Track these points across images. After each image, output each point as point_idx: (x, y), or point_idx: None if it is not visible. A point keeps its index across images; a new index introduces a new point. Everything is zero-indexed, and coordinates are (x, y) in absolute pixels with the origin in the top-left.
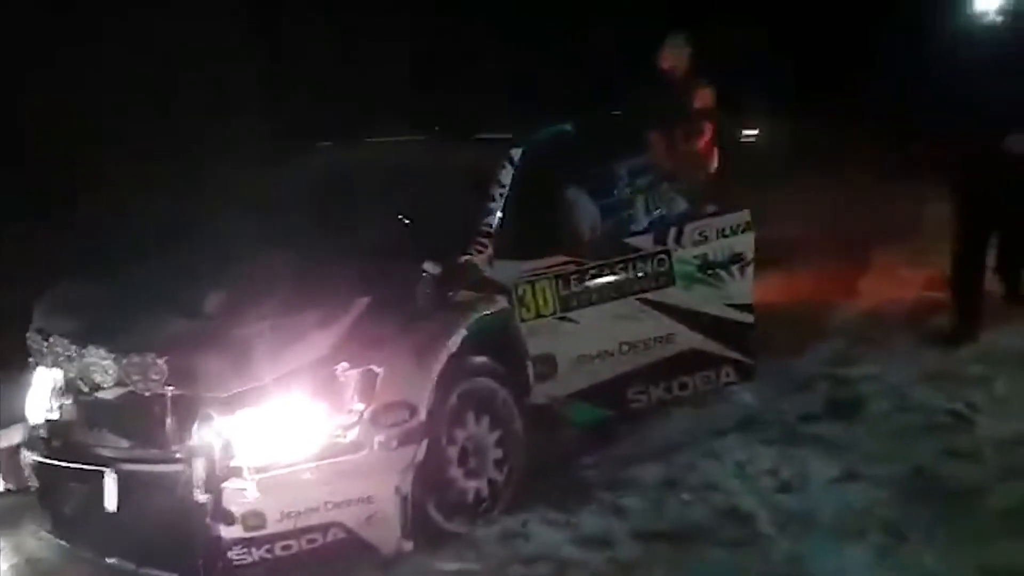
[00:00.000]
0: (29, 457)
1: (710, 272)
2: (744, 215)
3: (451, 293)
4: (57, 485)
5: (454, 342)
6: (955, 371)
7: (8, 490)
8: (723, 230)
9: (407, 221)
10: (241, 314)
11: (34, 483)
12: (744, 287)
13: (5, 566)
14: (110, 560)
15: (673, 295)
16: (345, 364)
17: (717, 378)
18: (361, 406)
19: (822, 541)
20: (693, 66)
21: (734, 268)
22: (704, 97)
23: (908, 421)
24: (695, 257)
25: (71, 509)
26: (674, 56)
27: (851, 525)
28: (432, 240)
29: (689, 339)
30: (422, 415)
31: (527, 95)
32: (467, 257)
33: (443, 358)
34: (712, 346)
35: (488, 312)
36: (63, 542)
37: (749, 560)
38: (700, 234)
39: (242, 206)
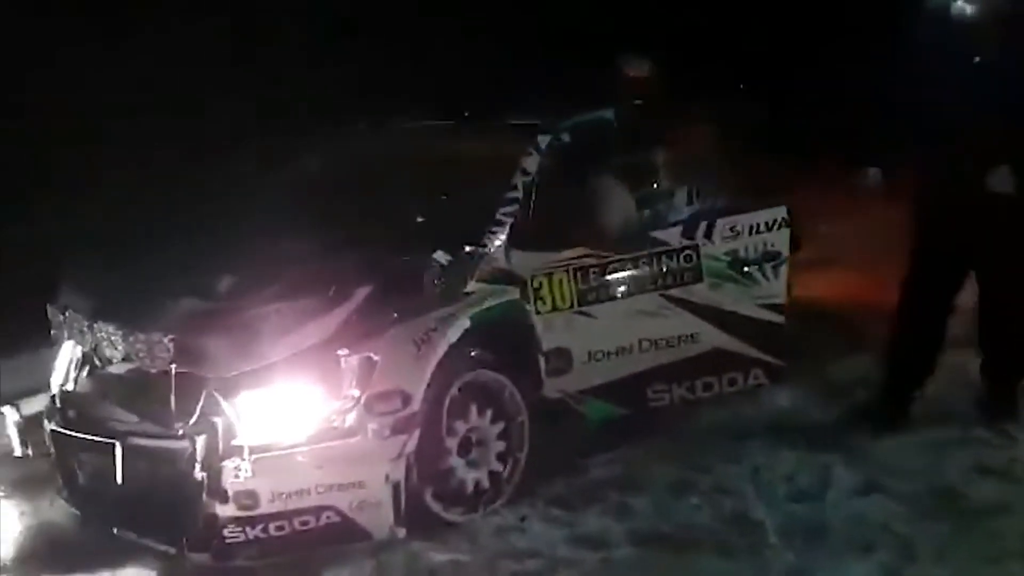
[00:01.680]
0: (47, 426)
1: (741, 270)
2: (780, 211)
3: (460, 283)
4: (71, 454)
5: (455, 333)
6: None
7: (30, 456)
8: (757, 226)
9: (421, 208)
10: (247, 297)
11: (52, 451)
12: (776, 286)
13: (21, 527)
14: (115, 529)
15: (700, 292)
16: (345, 350)
17: (744, 380)
18: (357, 392)
19: (827, 555)
20: None
21: (767, 266)
22: None
23: (942, 434)
24: (725, 253)
25: (83, 478)
26: None
27: (861, 540)
28: (449, 228)
29: (715, 338)
30: (416, 405)
31: (565, 80)
32: (480, 247)
33: (442, 349)
34: (740, 347)
35: (496, 304)
36: (75, 509)
37: (746, 571)
38: (732, 229)
39: (259, 191)
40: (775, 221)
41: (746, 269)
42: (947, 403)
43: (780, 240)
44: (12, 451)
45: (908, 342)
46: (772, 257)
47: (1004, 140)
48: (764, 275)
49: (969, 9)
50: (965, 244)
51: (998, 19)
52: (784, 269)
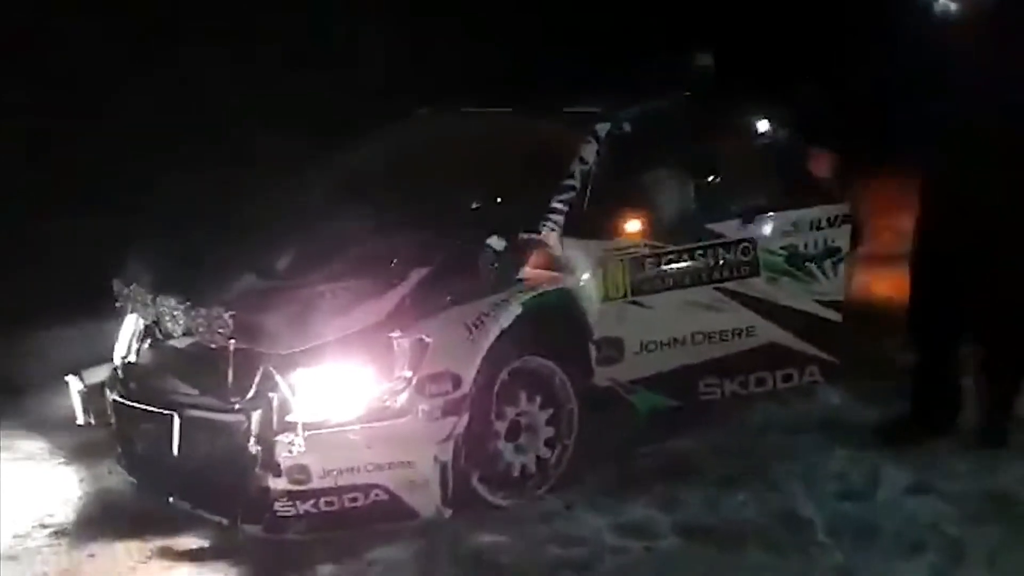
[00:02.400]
0: (109, 395)
1: (799, 265)
2: (843, 207)
3: (514, 269)
4: (130, 424)
5: (507, 318)
6: None
7: (91, 424)
8: (818, 222)
9: (477, 194)
10: (305, 277)
11: (113, 420)
12: (835, 283)
13: (80, 494)
14: (171, 499)
15: (756, 286)
16: (398, 332)
17: (799, 376)
18: (409, 374)
19: (875, 554)
20: None
21: (826, 262)
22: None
23: None
24: (783, 248)
25: (141, 448)
26: None
27: (910, 540)
28: (505, 214)
29: (770, 334)
30: (466, 388)
31: (625, 69)
32: (535, 234)
33: (493, 334)
34: (796, 343)
35: (549, 291)
36: (132, 478)
37: (792, 568)
38: (792, 224)
39: (322, 172)
40: (836, 217)
41: (804, 265)
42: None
43: (840, 236)
44: (75, 419)
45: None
46: (832, 253)
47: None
48: (823, 271)
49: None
50: (966, 246)
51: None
52: (843, 266)
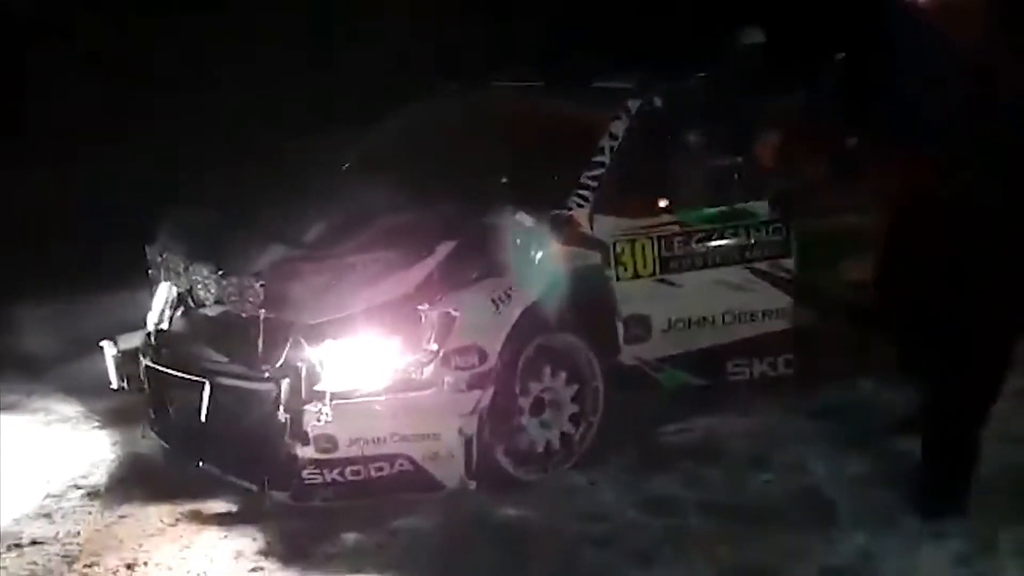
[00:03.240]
0: (142, 361)
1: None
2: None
3: (541, 245)
4: (163, 390)
5: (534, 294)
6: None
7: (125, 389)
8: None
9: (506, 169)
10: (335, 248)
11: (145, 386)
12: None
13: (114, 457)
14: (201, 464)
15: (789, 268)
16: (426, 304)
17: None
18: (435, 346)
19: (900, 539)
20: None
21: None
22: None
23: None
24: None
25: (172, 413)
26: None
27: (936, 527)
28: (534, 190)
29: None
30: (493, 362)
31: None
32: (564, 210)
33: (519, 309)
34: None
35: (576, 267)
36: (163, 443)
37: (815, 547)
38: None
39: (354, 146)
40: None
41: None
42: None
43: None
44: (109, 384)
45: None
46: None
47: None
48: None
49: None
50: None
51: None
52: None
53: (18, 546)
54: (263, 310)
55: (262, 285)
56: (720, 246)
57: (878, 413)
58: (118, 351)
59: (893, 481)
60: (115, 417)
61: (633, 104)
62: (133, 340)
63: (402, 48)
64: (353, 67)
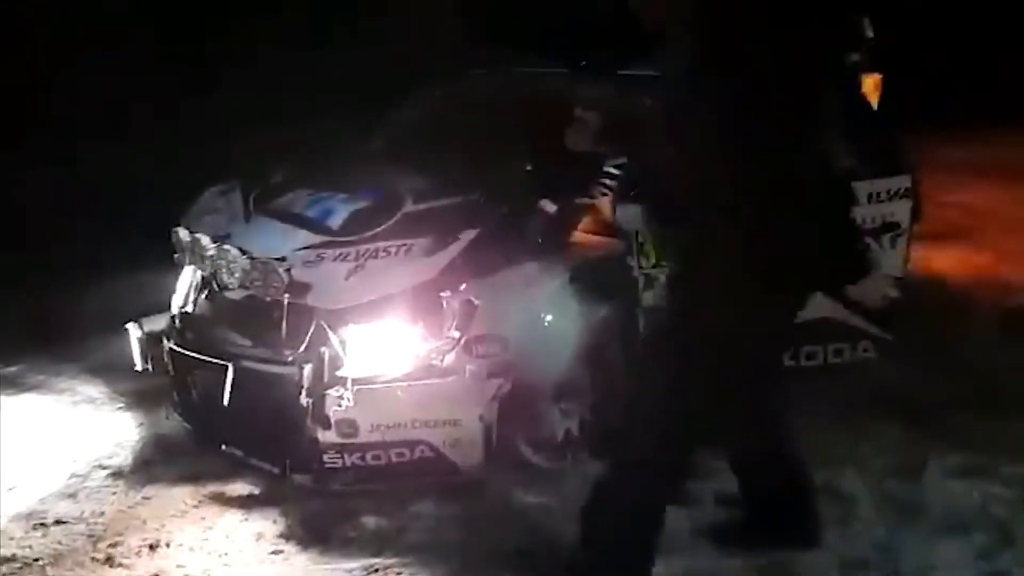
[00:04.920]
0: (167, 344)
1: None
2: (904, 180)
3: (565, 233)
4: (186, 373)
5: (556, 282)
6: None
7: (150, 371)
8: (877, 194)
9: (530, 156)
10: (359, 234)
11: (170, 368)
12: (894, 258)
13: (138, 438)
14: (224, 447)
15: None
16: (448, 292)
17: (852, 351)
18: (457, 334)
19: (919, 533)
20: None
21: (885, 237)
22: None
23: None
24: None
25: (196, 396)
26: None
27: (957, 520)
28: (557, 177)
29: (823, 307)
30: (513, 350)
31: None
32: (588, 198)
33: (541, 297)
34: (849, 317)
35: (598, 256)
36: (187, 425)
37: (833, 540)
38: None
39: (379, 131)
40: (897, 191)
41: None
42: None
43: (901, 211)
44: (133, 366)
45: None
46: (891, 228)
47: None
48: (881, 246)
49: None
50: None
51: None
52: (903, 241)
53: (43, 525)
54: (287, 295)
55: (287, 270)
56: None
57: (901, 406)
58: (143, 333)
59: (915, 473)
60: (139, 399)
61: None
62: (158, 323)
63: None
64: (372, 50)
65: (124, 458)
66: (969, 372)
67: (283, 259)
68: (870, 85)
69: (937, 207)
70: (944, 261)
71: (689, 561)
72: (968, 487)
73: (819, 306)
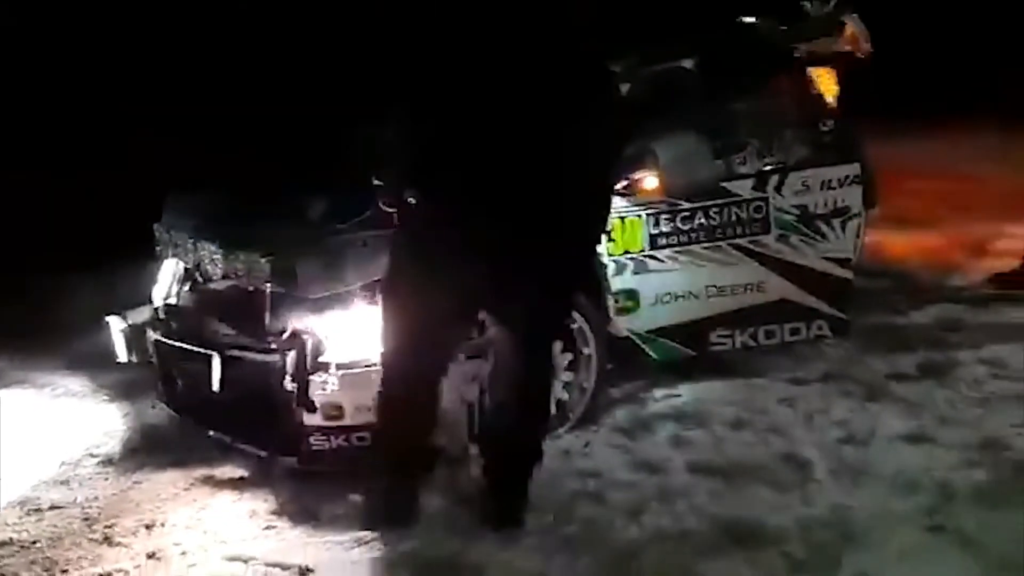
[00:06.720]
0: (151, 335)
1: (810, 224)
2: (853, 168)
3: None
4: (172, 363)
5: None
6: None
7: (133, 362)
8: (829, 181)
9: None
10: (339, 224)
11: (154, 359)
12: (845, 242)
13: (125, 427)
14: (211, 433)
15: (768, 243)
16: None
17: (807, 330)
18: None
19: (870, 494)
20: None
21: (836, 221)
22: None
23: (998, 389)
24: (795, 207)
25: (181, 385)
26: None
27: (904, 482)
28: None
29: (781, 289)
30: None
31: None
32: None
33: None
34: (804, 298)
35: None
36: (173, 413)
37: (792, 502)
38: (803, 184)
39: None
40: (847, 177)
41: (815, 223)
42: (1009, 359)
43: (851, 196)
44: (114, 358)
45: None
46: (841, 213)
47: None
48: (833, 230)
49: None
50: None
51: None
52: (854, 225)
53: (38, 511)
54: (270, 284)
55: (268, 260)
56: (704, 224)
57: (853, 381)
58: (126, 325)
59: (865, 441)
60: (122, 390)
61: (621, 87)
62: (140, 315)
63: None
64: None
65: (113, 446)
66: (915, 347)
67: (265, 249)
68: (824, 79)
69: (890, 193)
70: (894, 245)
71: (655, 520)
72: (913, 452)
73: (777, 288)
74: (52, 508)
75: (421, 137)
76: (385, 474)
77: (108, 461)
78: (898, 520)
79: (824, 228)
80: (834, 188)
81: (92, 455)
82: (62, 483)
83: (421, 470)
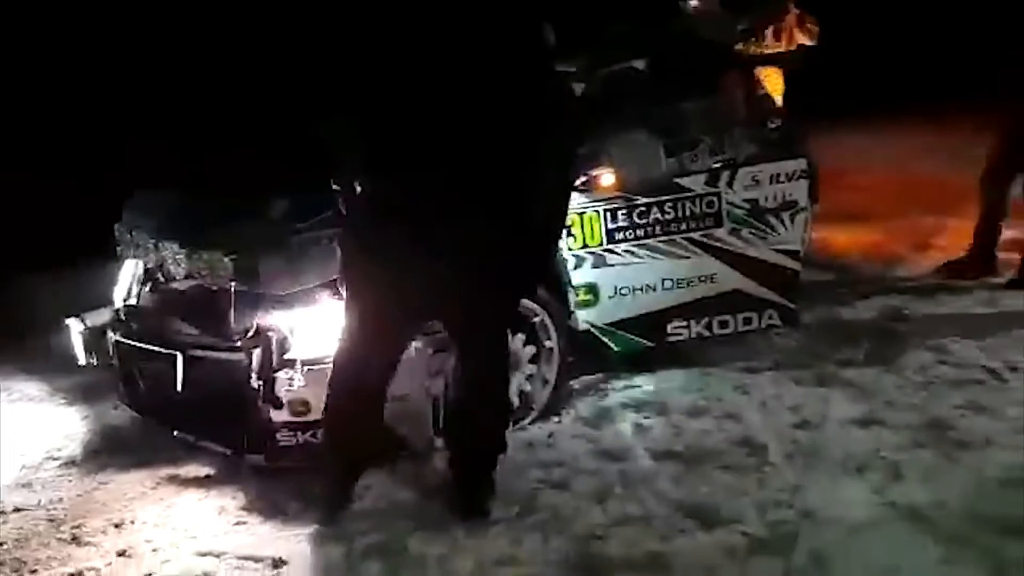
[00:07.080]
0: (112, 337)
1: (759, 217)
2: (800, 163)
3: None
4: (134, 363)
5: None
6: (1005, 331)
7: (93, 365)
8: (777, 176)
9: None
10: (302, 222)
11: (116, 360)
12: (793, 234)
13: (86, 429)
14: (175, 432)
15: (720, 237)
16: None
17: (759, 320)
18: None
19: (823, 474)
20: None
21: (785, 215)
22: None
23: (942, 374)
24: (745, 201)
25: (145, 386)
26: None
27: (855, 463)
28: None
29: (733, 280)
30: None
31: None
32: None
33: None
34: (756, 289)
35: None
36: (137, 414)
37: (750, 484)
38: (753, 179)
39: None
40: (794, 172)
41: (764, 216)
42: (951, 347)
43: (798, 190)
44: (74, 361)
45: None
46: (790, 206)
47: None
48: (782, 223)
49: None
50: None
51: None
52: (801, 218)
53: (2, 513)
54: (233, 283)
55: (231, 259)
56: (659, 218)
57: (805, 368)
58: (86, 328)
59: (817, 425)
60: (82, 393)
61: (576, 87)
62: (99, 317)
63: None
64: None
65: (74, 449)
66: (862, 336)
67: (226, 248)
68: (771, 79)
69: (833, 189)
70: (838, 240)
71: (619, 505)
72: (863, 434)
73: (730, 279)
74: (16, 511)
75: (373, 130)
76: (331, 465)
77: (71, 463)
78: (850, 498)
79: (774, 221)
80: (782, 183)
81: (53, 458)
82: (24, 486)
83: (366, 462)
